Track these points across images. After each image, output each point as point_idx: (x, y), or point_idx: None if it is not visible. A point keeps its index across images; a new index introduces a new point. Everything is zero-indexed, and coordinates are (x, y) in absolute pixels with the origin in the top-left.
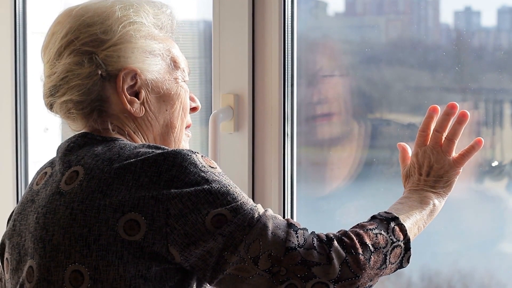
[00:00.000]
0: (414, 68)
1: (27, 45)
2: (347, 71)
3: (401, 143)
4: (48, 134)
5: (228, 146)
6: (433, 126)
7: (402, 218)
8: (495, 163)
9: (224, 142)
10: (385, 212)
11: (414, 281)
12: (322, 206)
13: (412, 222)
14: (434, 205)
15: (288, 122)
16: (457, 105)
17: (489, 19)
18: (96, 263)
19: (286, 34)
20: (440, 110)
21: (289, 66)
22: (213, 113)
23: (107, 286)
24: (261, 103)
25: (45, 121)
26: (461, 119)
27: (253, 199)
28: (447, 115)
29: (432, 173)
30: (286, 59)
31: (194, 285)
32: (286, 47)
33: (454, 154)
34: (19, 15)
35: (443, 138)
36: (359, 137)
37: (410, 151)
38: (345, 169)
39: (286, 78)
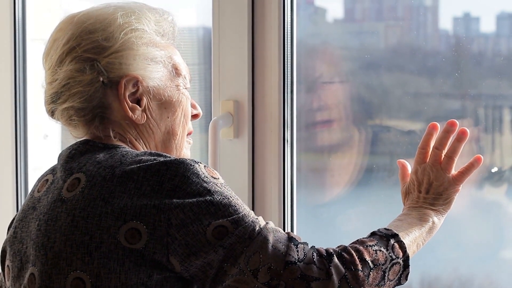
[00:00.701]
0: (413, 74)
1: (26, 52)
2: (346, 77)
3: (400, 160)
4: (48, 141)
5: (228, 152)
6: (432, 143)
7: (401, 235)
8: (494, 169)
9: (224, 149)
10: (385, 228)
11: (414, 286)
12: (322, 213)
13: (411, 239)
14: (433, 222)
15: (288, 128)
16: (457, 122)
17: (488, 25)
18: (98, 271)
19: (285, 41)
20: (439, 127)
21: (289, 72)
22: (213, 119)
23: None
24: (261, 109)
25: (44, 128)
26: (461, 136)
27: (253, 205)
28: (447, 132)
29: (431, 191)
30: (285, 65)
31: None
32: (285, 53)
33: (454, 171)
34: (18, 22)
35: (443, 156)
36: (359, 143)
37: (409, 168)
38: (346, 176)
39: (285, 84)
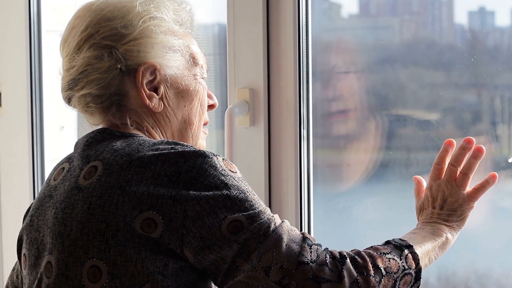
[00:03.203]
0: (428, 69)
1: (41, 43)
2: (361, 70)
3: (416, 176)
4: (64, 132)
5: (244, 140)
6: (447, 160)
7: (415, 247)
8: (511, 160)
9: (240, 137)
10: (400, 239)
11: (431, 281)
12: (339, 202)
13: (424, 252)
14: (447, 238)
15: (304, 115)
16: (473, 140)
17: (503, 19)
18: (115, 259)
19: (301, 34)
20: (455, 144)
21: (304, 62)
22: (228, 107)
23: (126, 282)
24: (277, 97)
25: (61, 120)
26: (477, 154)
27: (269, 193)
28: (463, 149)
29: (446, 207)
30: (301, 55)
31: (211, 283)
32: (301, 45)
33: (468, 188)
34: (33, 13)
35: (458, 172)
36: (375, 133)
37: (425, 185)
38: (362, 165)
39: (301, 73)
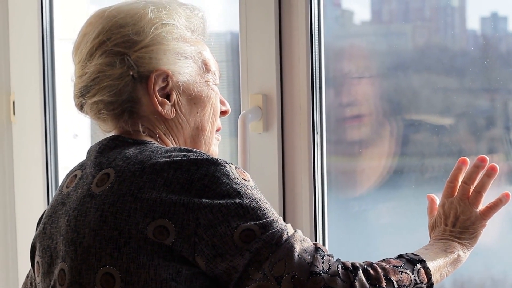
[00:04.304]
0: (441, 75)
1: (54, 52)
2: (374, 77)
3: (430, 194)
4: (78, 140)
5: (257, 146)
6: (461, 178)
7: (427, 262)
8: None
9: (254, 143)
10: (413, 253)
11: (447, 287)
12: (353, 207)
13: (436, 268)
14: (458, 255)
15: (318, 121)
16: (487, 158)
17: None
18: (127, 266)
19: (313, 40)
20: (469, 162)
21: (317, 67)
22: (242, 113)
23: None
24: (290, 102)
25: (74, 128)
26: (490, 172)
27: (283, 199)
28: (477, 167)
29: (458, 224)
30: (314, 62)
31: None
32: (313, 50)
33: (481, 206)
34: (46, 22)
35: (471, 190)
36: (389, 139)
37: (438, 202)
38: (377, 170)
39: (314, 79)
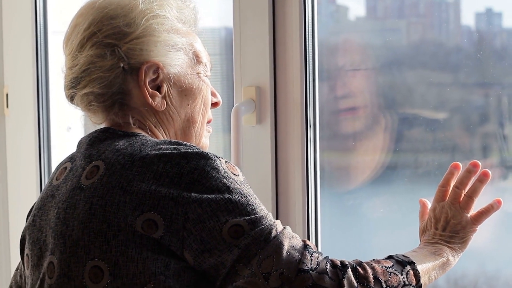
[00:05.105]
0: (436, 70)
1: (48, 45)
2: (368, 72)
3: (422, 199)
4: (71, 133)
5: (250, 138)
6: (453, 182)
7: (417, 264)
8: None
9: (247, 135)
10: (402, 255)
11: (440, 284)
12: (347, 200)
13: (425, 270)
14: (448, 259)
15: (311, 113)
16: (480, 163)
17: (510, 20)
18: (116, 259)
19: (307, 34)
20: (461, 167)
21: (310, 60)
22: (235, 106)
23: (127, 282)
24: (283, 95)
25: (67, 121)
26: (483, 178)
27: (276, 192)
28: (469, 172)
29: (448, 228)
30: (307, 54)
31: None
32: (307, 44)
33: (472, 211)
34: (39, 15)
35: (463, 195)
36: (383, 133)
37: (429, 207)
38: (370, 163)
39: (307, 72)
